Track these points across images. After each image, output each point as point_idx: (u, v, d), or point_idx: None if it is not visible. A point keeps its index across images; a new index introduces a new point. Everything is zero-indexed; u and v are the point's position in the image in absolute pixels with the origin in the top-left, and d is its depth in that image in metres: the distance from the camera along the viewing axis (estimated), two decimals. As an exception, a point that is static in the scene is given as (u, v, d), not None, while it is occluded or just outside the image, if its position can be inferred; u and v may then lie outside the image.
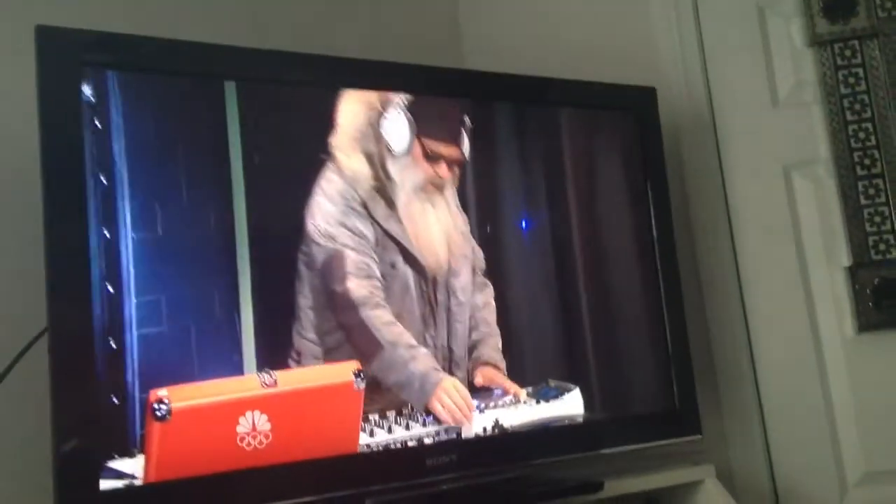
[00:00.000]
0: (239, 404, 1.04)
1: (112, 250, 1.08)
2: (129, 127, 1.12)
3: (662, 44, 2.15)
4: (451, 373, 1.40)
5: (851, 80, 2.04)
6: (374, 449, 1.41)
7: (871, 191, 2.01)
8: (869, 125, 2.03)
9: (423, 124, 1.33)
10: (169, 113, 1.21)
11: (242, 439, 1.28)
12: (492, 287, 1.47)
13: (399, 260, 1.31)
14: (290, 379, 1.08)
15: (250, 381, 1.06)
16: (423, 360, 1.32)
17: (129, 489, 1.24)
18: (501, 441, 1.58)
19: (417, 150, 1.34)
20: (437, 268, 1.36)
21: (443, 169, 1.36)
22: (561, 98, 1.84)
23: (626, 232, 1.87)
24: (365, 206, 1.28)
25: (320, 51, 1.51)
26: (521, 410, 1.37)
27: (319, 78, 1.45)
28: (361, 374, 1.15)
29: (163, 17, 1.74)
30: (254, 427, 1.29)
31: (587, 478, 1.63)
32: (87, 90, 1.16)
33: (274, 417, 1.06)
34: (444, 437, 1.36)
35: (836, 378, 2.00)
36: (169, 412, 0.98)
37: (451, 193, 1.37)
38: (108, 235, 1.09)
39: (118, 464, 1.02)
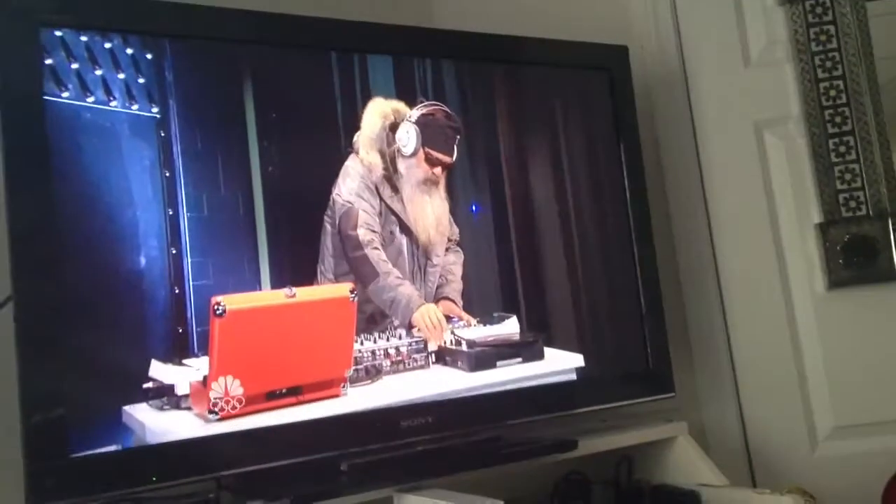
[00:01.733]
0: (272, 309, 1.45)
1: (174, 224, 1.44)
2: (183, 136, 1.46)
3: (635, 2, 2.14)
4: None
5: (823, 37, 2.04)
6: (350, 412, 1.47)
7: (842, 148, 2.02)
8: (840, 83, 2.03)
9: (427, 136, 1.65)
10: (207, 121, 1.51)
11: (216, 405, 1.29)
12: (462, 253, 1.72)
13: (396, 229, 1.66)
14: (305, 294, 1.48)
15: (279, 295, 1.46)
16: (409, 287, 1.64)
17: (100, 458, 1.28)
18: (476, 402, 1.59)
19: (421, 155, 1.66)
20: (426, 241, 1.68)
21: (438, 170, 1.68)
22: (533, 57, 1.83)
23: (598, 191, 1.87)
24: (376, 187, 1.63)
25: (281, 9, 1.53)
26: (471, 329, 1.67)
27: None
28: (355, 292, 1.51)
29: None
30: (226, 391, 1.30)
31: (561, 437, 1.65)
32: (154, 108, 1.43)
33: (293, 322, 1.46)
34: (416, 346, 1.61)
35: (806, 335, 2.03)
36: (224, 311, 1.36)
37: (442, 186, 1.70)
38: (171, 213, 1.43)
39: (189, 361, 1.40)
